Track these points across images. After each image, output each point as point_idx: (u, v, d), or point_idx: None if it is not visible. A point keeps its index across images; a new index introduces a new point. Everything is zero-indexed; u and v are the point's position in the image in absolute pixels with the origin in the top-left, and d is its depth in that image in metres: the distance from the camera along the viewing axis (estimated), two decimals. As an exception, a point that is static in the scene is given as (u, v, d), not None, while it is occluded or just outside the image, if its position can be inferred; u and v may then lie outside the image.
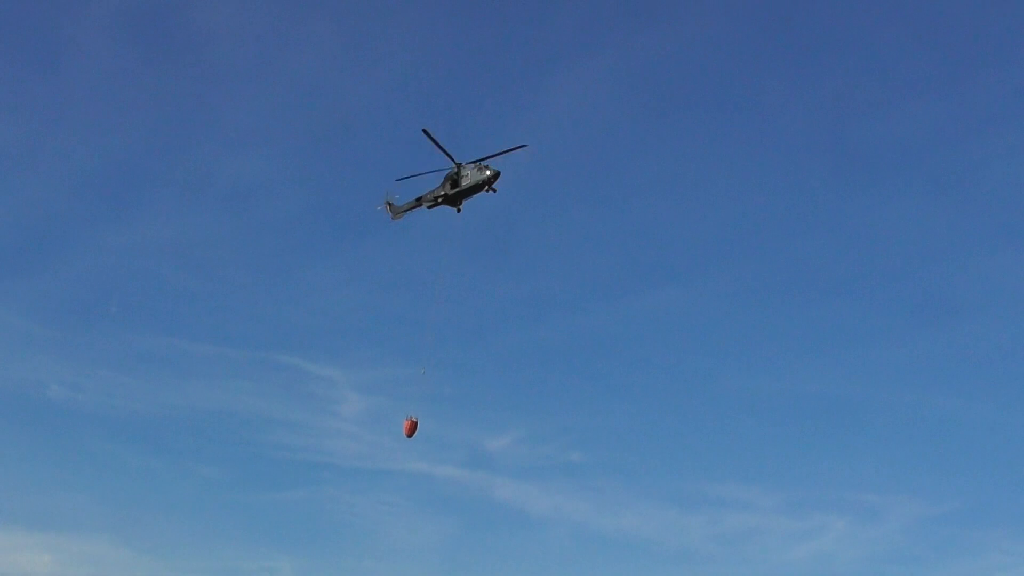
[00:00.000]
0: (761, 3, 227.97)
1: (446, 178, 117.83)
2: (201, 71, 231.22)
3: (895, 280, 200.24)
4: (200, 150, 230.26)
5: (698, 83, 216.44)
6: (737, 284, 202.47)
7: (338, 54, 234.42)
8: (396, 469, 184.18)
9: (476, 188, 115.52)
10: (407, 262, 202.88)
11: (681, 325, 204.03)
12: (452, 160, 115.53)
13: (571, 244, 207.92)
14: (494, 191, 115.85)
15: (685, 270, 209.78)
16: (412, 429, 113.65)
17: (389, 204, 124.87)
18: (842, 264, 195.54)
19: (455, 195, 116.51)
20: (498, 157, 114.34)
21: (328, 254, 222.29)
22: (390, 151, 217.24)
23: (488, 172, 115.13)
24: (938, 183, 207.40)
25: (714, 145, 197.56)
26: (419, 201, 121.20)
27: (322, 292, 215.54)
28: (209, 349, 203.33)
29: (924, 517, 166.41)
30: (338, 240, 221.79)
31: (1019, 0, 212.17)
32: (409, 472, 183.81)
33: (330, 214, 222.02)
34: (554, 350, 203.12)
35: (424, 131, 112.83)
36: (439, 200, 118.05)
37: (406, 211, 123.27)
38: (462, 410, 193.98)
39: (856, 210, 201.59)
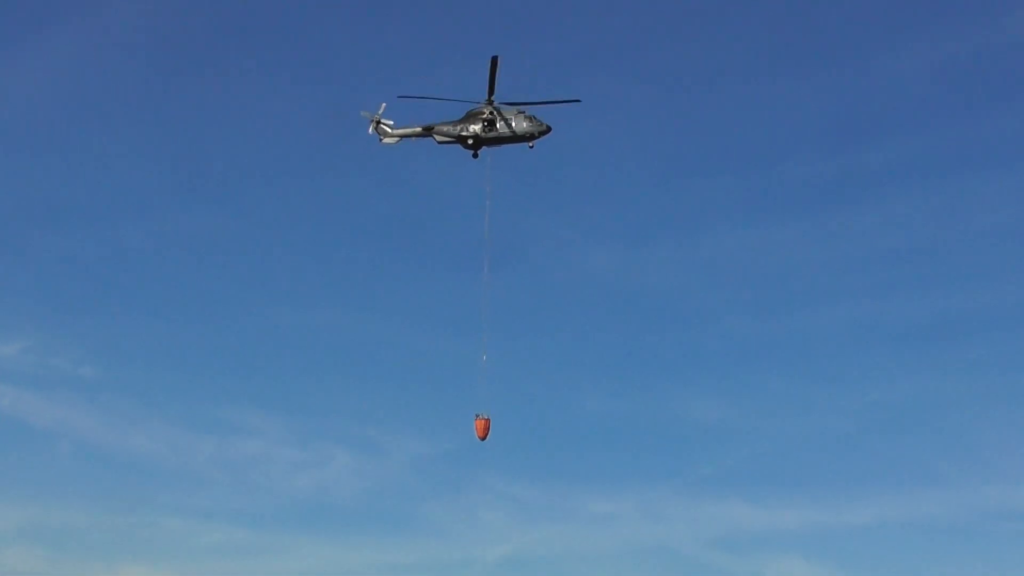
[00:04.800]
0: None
1: (472, 115, 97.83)
2: None
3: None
4: None
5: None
6: (282, 211, 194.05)
7: None
8: None
9: (516, 139, 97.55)
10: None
11: (224, 249, 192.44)
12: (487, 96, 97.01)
13: (115, 158, 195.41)
14: (531, 147, 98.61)
15: (235, 194, 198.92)
16: (486, 430, 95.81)
17: (379, 122, 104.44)
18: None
19: (487, 140, 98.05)
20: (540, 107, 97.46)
21: None
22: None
23: (527, 124, 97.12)
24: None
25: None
26: (428, 130, 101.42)
27: None
28: None
29: (423, 455, 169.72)
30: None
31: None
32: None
33: None
34: (80, 261, 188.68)
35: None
36: (466, 140, 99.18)
37: (404, 137, 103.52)
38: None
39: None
